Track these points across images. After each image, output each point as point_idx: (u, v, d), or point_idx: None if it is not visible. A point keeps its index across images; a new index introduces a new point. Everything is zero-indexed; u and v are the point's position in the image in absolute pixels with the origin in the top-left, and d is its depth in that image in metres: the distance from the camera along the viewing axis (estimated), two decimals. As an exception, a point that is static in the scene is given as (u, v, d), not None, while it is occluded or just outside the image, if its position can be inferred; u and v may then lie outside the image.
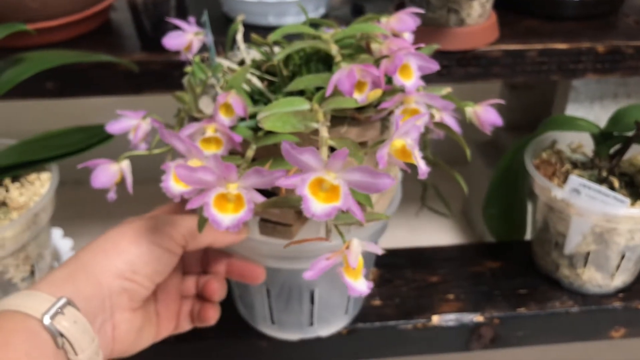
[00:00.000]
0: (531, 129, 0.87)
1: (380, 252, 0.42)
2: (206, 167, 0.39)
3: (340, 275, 0.40)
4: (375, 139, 0.50)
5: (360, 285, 0.41)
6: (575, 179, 0.64)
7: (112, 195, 0.52)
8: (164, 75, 0.71)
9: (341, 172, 0.36)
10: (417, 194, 0.71)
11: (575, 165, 0.70)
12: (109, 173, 0.51)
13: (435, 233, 1.05)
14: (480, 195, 1.05)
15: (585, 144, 0.73)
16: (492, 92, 1.06)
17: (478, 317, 0.68)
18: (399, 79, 0.47)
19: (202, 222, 0.45)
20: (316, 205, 0.36)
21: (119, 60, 0.66)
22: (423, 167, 0.41)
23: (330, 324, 0.65)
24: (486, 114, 0.55)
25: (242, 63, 0.57)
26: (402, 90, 0.48)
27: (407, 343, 0.68)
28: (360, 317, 0.67)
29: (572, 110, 0.85)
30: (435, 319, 0.67)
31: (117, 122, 0.55)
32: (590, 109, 0.86)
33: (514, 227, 0.80)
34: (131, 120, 0.55)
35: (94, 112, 0.90)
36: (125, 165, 0.52)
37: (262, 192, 0.41)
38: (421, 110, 0.47)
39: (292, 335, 0.64)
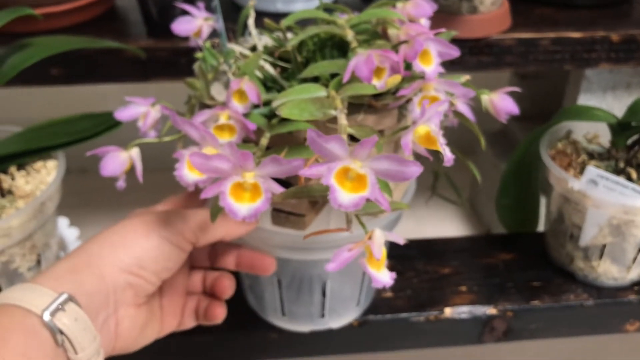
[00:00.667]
0: (541, 119, 0.86)
1: (402, 241, 0.41)
2: (222, 155, 0.37)
3: (363, 267, 0.39)
4: (392, 128, 0.49)
5: (384, 276, 0.40)
6: (593, 170, 0.62)
7: (121, 184, 0.51)
8: (171, 62, 0.70)
9: (367, 160, 0.35)
10: (424, 183, 0.69)
11: (591, 156, 0.69)
12: (118, 161, 0.50)
13: (442, 223, 1.04)
14: (488, 186, 1.04)
15: (601, 134, 0.72)
16: (502, 82, 1.04)
17: (491, 310, 0.67)
18: (419, 65, 0.45)
19: (216, 212, 0.43)
20: (343, 196, 0.35)
21: (126, 46, 0.64)
22: (448, 154, 0.39)
23: (341, 316, 0.64)
24: (502, 102, 0.54)
25: (253, 49, 0.56)
26: (421, 77, 0.46)
27: (419, 335, 0.67)
28: (371, 309, 0.66)
29: (584, 100, 0.84)
30: (448, 311, 0.66)
31: (125, 109, 0.54)
32: (603, 99, 0.85)
33: (526, 219, 0.79)
34: (140, 107, 0.54)
35: (100, 99, 0.88)
36: (134, 153, 0.51)
37: (275, 181, 0.40)
38: (441, 98, 0.46)
39: (303, 327, 0.63)
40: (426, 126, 0.39)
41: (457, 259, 0.73)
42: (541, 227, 0.80)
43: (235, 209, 0.38)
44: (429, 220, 1.02)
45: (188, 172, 0.41)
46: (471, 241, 0.78)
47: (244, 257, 0.56)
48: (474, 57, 0.72)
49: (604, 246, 0.66)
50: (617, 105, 0.84)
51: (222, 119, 0.46)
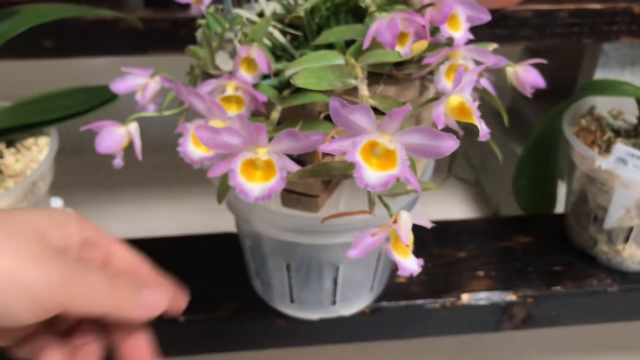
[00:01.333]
0: (552, 97, 0.82)
1: (429, 224, 0.37)
2: (232, 129, 0.33)
3: (388, 253, 0.35)
4: (414, 100, 0.45)
5: (411, 263, 0.36)
6: (622, 148, 0.59)
7: (118, 162, 0.47)
8: (169, 34, 0.67)
9: (397, 134, 0.31)
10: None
11: (617, 133, 0.65)
12: (115, 137, 0.46)
13: (448, 203, 1.01)
14: (495, 165, 1.00)
15: (626, 110, 0.68)
16: (511, 58, 1.00)
17: (511, 296, 0.63)
18: (447, 30, 0.41)
19: (224, 192, 0.39)
20: (370, 174, 0.31)
21: (123, 15, 0.60)
22: (484, 128, 0.35)
23: (353, 303, 0.60)
24: (527, 75, 0.51)
25: (260, 16, 0.52)
26: (448, 43, 0.42)
27: (434, 323, 0.64)
28: (384, 295, 0.62)
29: (601, 76, 0.81)
30: (465, 298, 0.62)
31: (122, 81, 0.50)
32: (621, 74, 0.82)
33: (543, 200, 0.75)
34: (138, 78, 0.50)
35: (95, 74, 0.84)
36: (133, 128, 0.47)
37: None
38: (469, 67, 0.42)
39: (312, 315, 0.59)
40: (460, 96, 0.35)
41: (473, 242, 0.69)
42: (558, 208, 0.77)
43: (246, 189, 0.34)
44: (434, 200, 0.98)
45: (193, 148, 0.37)
46: (487, 223, 0.74)
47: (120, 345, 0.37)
48: (488, 30, 0.68)
49: (631, 229, 0.62)
50: (636, 82, 0.80)
51: (229, 90, 0.41)
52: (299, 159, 0.45)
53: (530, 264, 0.67)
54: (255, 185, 0.34)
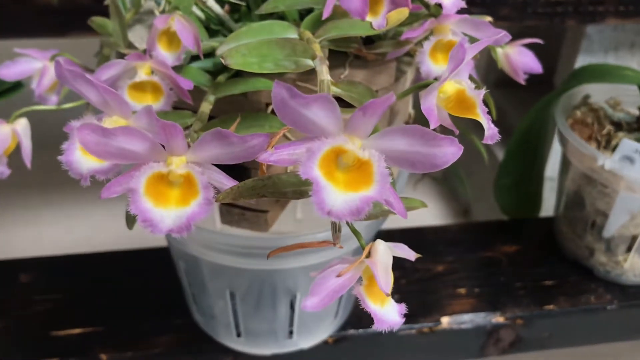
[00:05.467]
0: (526, 84, 0.74)
1: (413, 256, 0.28)
2: (131, 129, 0.23)
3: (361, 300, 0.26)
4: (388, 88, 0.35)
5: (390, 313, 0.26)
6: (629, 144, 0.50)
7: (2, 170, 0.36)
8: (94, 12, 0.56)
9: (372, 137, 0.21)
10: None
11: (618, 126, 0.56)
12: (-5, 138, 0.35)
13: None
14: (464, 159, 0.91)
15: (623, 100, 0.59)
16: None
17: (498, 318, 0.54)
18: (434, -6, 0.31)
19: (131, 220, 0.29)
20: (334, 197, 0.21)
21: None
22: (492, 127, 0.25)
23: (313, 333, 0.50)
24: (520, 57, 0.44)
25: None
26: (433, 14, 0.32)
27: (409, 351, 0.54)
28: (351, 322, 0.52)
29: (584, 62, 0.73)
30: (445, 321, 0.53)
31: (13, 65, 0.40)
32: (604, 60, 0.74)
33: (528, 201, 0.66)
34: (34, 62, 0.39)
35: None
36: (21, 126, 0.36)
37: (221, 167, 0.26)
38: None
39: (264, 349, 0.49)
40: (457, 82, 0.25)
41: (451, 253, 0.60)
42: (545, 211, 0.68)
43: (154, 218, 0.23)
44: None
45: (81, 157, 0.26)
46: (465, 230, 0.65)
47: None
48: (463, 10, 0.60)
49: (634, 238, 0.54)
50: (620, 68, 0.73)
51: (142, 74, 0.31)
52: (240, 166, 0.34)
53: (517, 279, 0.58)
54: (167, 212, 0.23)
